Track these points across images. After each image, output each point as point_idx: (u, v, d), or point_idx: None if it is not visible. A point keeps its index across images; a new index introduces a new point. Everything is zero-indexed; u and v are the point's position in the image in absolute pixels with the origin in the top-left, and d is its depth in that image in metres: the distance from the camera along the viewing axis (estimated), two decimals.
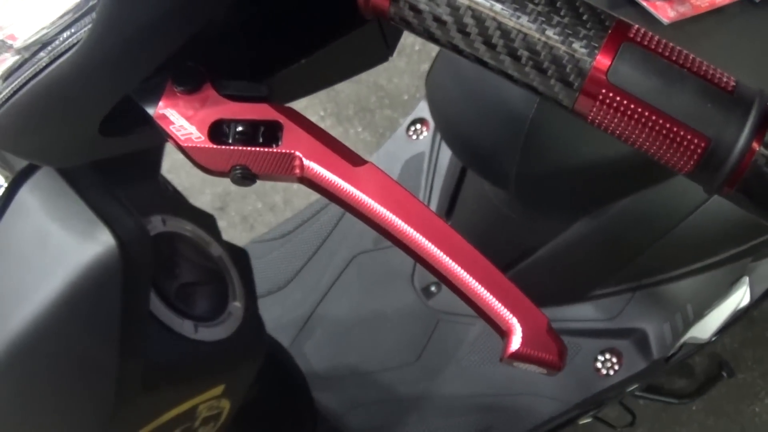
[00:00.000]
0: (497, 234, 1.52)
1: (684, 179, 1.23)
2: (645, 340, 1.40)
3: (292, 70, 0.63)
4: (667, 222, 1.31)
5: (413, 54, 2.41)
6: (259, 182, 1.93)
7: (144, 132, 0.61)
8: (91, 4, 0.53)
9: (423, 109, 1.77)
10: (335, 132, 2.29)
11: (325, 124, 2.36)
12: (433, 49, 2.35)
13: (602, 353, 1.44)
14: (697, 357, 1.78)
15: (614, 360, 1.43)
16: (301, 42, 0.64)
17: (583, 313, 1.47)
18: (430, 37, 0.56)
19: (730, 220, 1.29)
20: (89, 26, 0.52)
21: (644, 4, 1.08)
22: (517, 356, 0.53)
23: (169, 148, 0.74)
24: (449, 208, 1.62)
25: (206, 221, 0.90)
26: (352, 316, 1.61)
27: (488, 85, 1.21)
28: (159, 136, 0.59)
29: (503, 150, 1.20)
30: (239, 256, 0.92)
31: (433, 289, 1.60)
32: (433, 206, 1.65)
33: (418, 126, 1.76)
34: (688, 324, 1.37)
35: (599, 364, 1.44)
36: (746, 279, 1.39)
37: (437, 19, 0.54)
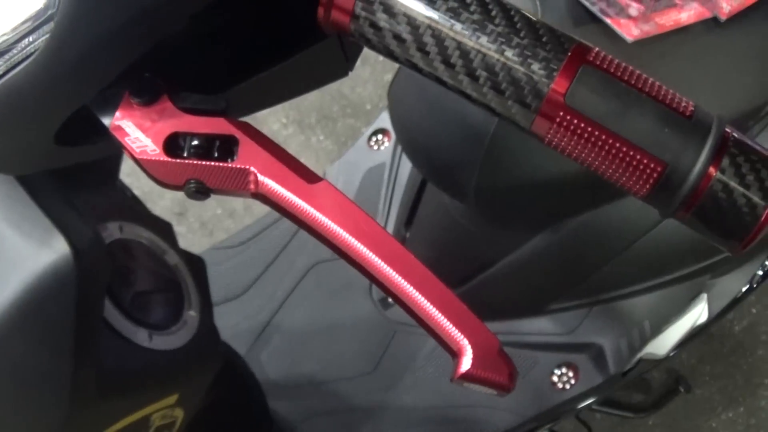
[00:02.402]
0: (456, 247, 1.52)
1: None
2: (601, 355, 1.41)
3: (252, 83, 0.63)
4: (626, 238, 1.32)
5: (377, 64, 2.41)
6: None
7: (100, 142, 0.61)
8: (50, 12, 0.52)
9: (385, 120, 1.77)
10: (297, 139, 2.30)
11: (287, 132, 2.35)
12: None
13: (559, 367, 1.44)
14: (655, 372, 1.79)
15: (570, 374, 1.44)
16: (260, 56, 0.63)
17: (540, 326, 1.47)
18: (390, 55, 0.56)
19: (689, 237, 1.28)
20: (48, 35, 0.52)
21: (608, 21, 1.09)
22: (467, 377, 0.53)
23: None
24: (408, 220, 1.62)
25: (163, 229, 0.89)
26: (309, 325, 1.60)
27: (450, 98, 1.20)
28: (115, 147, 0.59)
29: (463, 163, 1.20)
30: (195, 264, 0.92)
31: (390, 300, 1.60)
32: (393, 217, 1.65)
33: (380, 136, 1.76)
34: (645, 339, 1.38)
35: (555, 378, 1.44)
36: (704, 296, 1.40)
37: (397, 37, 0.54)
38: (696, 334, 1.42)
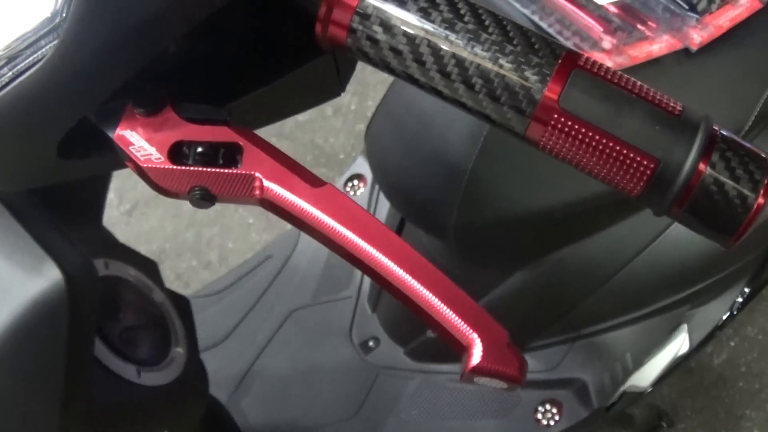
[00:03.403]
0: None
1: (620, 229, 1.25)
2: (585, 390, 1.41)
3: (250, 98, 0.63)
4: (604, 272, 1.32)
5: (349, 113, 2.42)
6: (193, 239, 1.92)
7: (103, 156, 0.61)
8: (57, 21, 0.52)
9: (360, 165, 1.78)
10: None
11: None
12: (369, 108, 2.37)
13: (543, 404, 1.44)
14: (637, 408, 1.79)
15: (554, 410, 1.43)
16: (259, 71, 0.64)
17: None
18: (387, 68, 0.57)
19: (667, 269, 1.31)
20: (55, 42, 0.52)
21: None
22: (477, 371, 0.53)
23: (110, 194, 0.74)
24: None
25: (148, 267, 0.89)
26: (290, 371, 1.59)
27: (428, 136, 1.23)
28: (117, 161, 0.59)
29: (442, 201, 1.21)
30: (181, 303, 0.91)
31: (371, 344, 1.59)
32: None
33: (356, 182, 1.76)
34: (628, 373, 1.38)
35: (540, 415, 1.44)
36: (684, 327, 1.41)
37: (394, 50, 0.55)
38: (678, 364, 1.43)
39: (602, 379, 1.40)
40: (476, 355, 0.53)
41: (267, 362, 1.59)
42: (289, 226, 1.89)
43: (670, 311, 1.37)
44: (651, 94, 0.53)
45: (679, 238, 1.29)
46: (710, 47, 1.17)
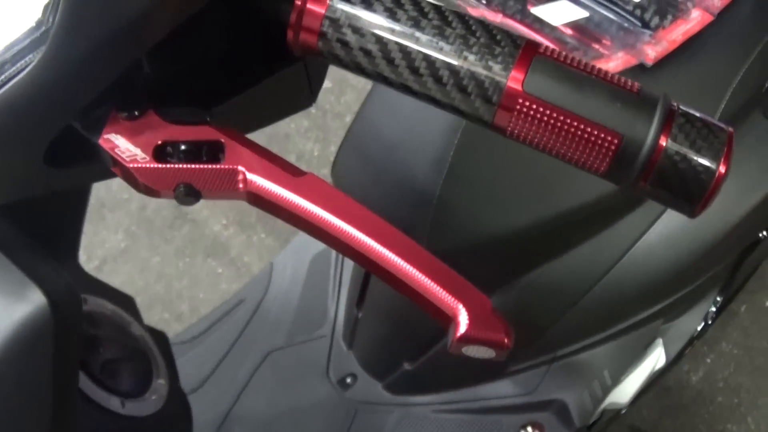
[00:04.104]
0: (410, 319, 1.52)
1: (588, 247, 1.27)
2: (565, 410, 1.41)
3: (228, 106, 0.64)
4: (576, 292, 1.33)
5: (312, 159, 2.43)
6: (163, 292, 1.92)
7: (89, 164, 0.62)
8: (43, 29, 0.54)
9: None
10: (238, 239, 2.31)
11: (228, 232, 2.36)
12: (332, 153, 2.38)
13: (524, 427, 1.44)
14: (618, 430, 1.80)
15: None
16: (235, 79, 0.65)
17: (501, 390, 1.47)
18: (359, 69, 0.59)
19: (637, 284, 1.32)
20: (41, 49, 0.53)
21: None
22: (465, 339, 0.54)
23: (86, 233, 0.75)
24: (360, 299, 1.62)
25: (126, 302, 0.89)
26: (269, 413, 1.58)
27: (394, 164, 1.24)
28: (103, 170, 0.60)
29: (411, 229, 1.22)
30: (159, 337, 0.92)
31: (348, 380, 1.59)
32: (343, 298, 1.65)
33: None
34: (607, 390, 1.39)
35: None
36: (659, 341, 1.42)
37: (364, 51, 0.57)
38: (656, 379, 1.44)
39: (582, 398, 1.41)
40: (462, 324, 0.54)
41: (246, 405, 1.58)
42: (257, 270, 1.88)
43: (644, 326, 1.39)
44: (609, 75, 0.55)
45: (648, 252, 1.30)
46: (665, 62, 1.20)
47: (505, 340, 0.55)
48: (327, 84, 2.63)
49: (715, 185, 0.54)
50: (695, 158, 0.53)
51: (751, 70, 1.24)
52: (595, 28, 1.24)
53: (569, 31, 1.23)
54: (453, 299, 0.55)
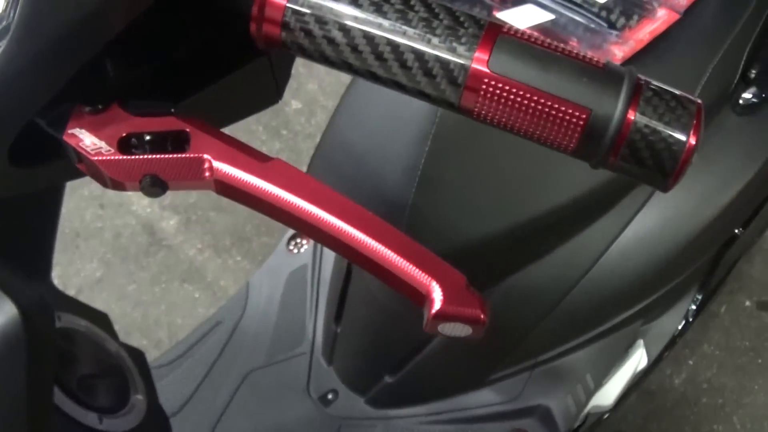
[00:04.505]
0: (389, 331, 1.52)
1: (564, 251, 1.27)
2: (549, 416, 1.41)
3: (194, 101, 0.64)
4: (554, 296, 1.33)
5: None
6: (141, 319, 1.90)
7: (55, 162, 0.61)
8: (3, 23, 0.53)
9: None
10: (214, 263, 2.30)
11: (203, 257, 2.35)
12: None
13: None
14: None
15: None
16: (200, 74, 0.65)
17: (484, 398, 1.47)
18: (324, 59, 0.58)
19: (615, 286, 1.33)
20: (2, 44, 0.53)
21: None
22: (440, 316, 0.54)
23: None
24: (338, 315, 1.62)
25: (100, 319, 0.88)
26: None
27: (366, 176, 1.24)
28: (70, 168, 0.59)
29: None
30: (136, 354, 0.90)
31: (330, 397, 1.58)
32: (321, 315, 1.65)
33: (298, 239, 1.77)
34: (590, 393, 1.39)
35: None
36: (641, 342, 1.42)
37: (328, 40, 0.57)
38: (639, 380, 1.43)
39: (565, 402, 1.40)
40: (437, 300, 0.54)
41: (227, 426, 1.57)
42: (233, 293, 1.87)
43: (624, 328, 1.39)
44: (574, 52, 0.55)
45: (625, 253, 1.30)
46: (632, 61, 1.20)
47: (481, 315, 0.55)
48: (297, 105, 2.64)
49: (686, 157, 0.54)
50: (665, 131, 0.53)
51: (719, 67, 1.25)
52: (561, 30, 1.25)
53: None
54: (426, 276, 0.55)
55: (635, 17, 1.26)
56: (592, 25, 1.25)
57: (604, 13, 1.27)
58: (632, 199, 1.30)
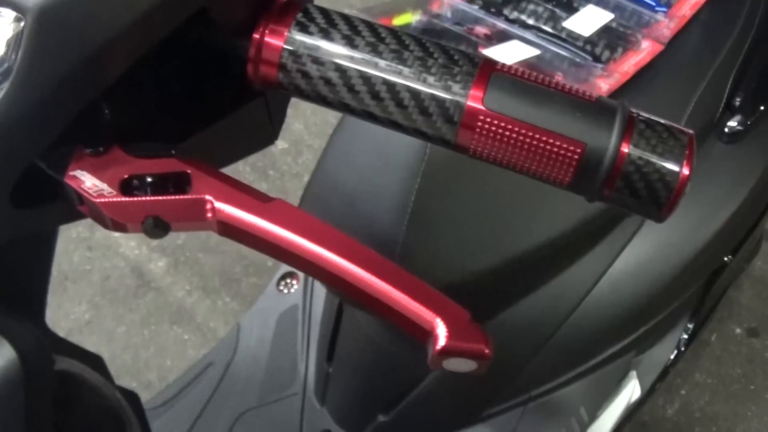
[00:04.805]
0: (381, 371, 1.51)
1: (555, 285, 1.27)
2: None
3: (191, 143, 0.64)
4: (546, 330, 1.33)
5: None
6: (131, 362, 1.89)
7: (56, 204, 0.61)
8: (6, 65, 0.53)
9: None
10: (203, 305, 2.29)
11: (192, 299, 2.34)
12: None
13: None
14: None
15: None
16: (198, 116, 0.65)
17: None
18: (321, 100, 0.59)
19: (606, 318, 1.33)
20: (2, 87, 0.53)
21: None
22: (445, 351, 0.53)
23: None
24: (329, 355, 1.61)
25: (95, 362, 0.88)
26: None
27: (357, 214, 1.24)
28: (71, 210, 0.59)
29: None
30: (131, 396, 0.90)
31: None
32: (313, 355, 1.64)
33: (288, 280, 1.77)
34: (584, 426, 1.38)
35: None
36: (633, 373, 1.41)
37: (324, 80, 0.58)
38: (633, 411, 1.43)
39: None
40: (441, 336, 0.54)
41: None
42: (223, 334, 1.86)
43: (616, 360, 1.39)
44: (567, 86, 0.56)
45: (615, 286, 1.31)
46: (618, 94, 1.21)
47: (486, 350, 0.55)
48: (284, 145, 2.65)
49: (680, 187, 0.54)
50: (658, 162, 0.54)
51: (704, 96, 1.26)
52: (547, 65, 1.25)
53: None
54: (430, 312, 0.55)
55: (619, 50, 1.27)
56: (577, 59, 1.26)
57: (588, 47, 1.28)
58: (622, 231, 1.31)
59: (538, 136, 0.54)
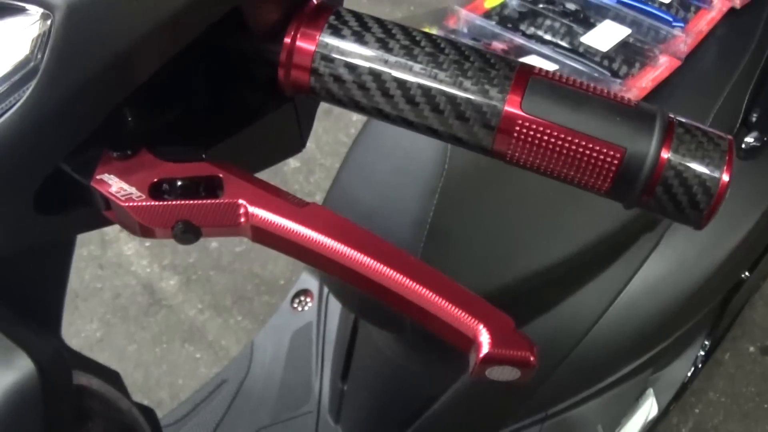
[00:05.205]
0: (397, 389, 1.50)
1: (572, 302, 1.26)
2: None
3: (221, 148, 0.63)
4: (563, 348, 1.32)
5: None
6: (142, 380, 1.89)
7: (81, 210, 0.60)
8: (31, 65, 0.52)
9: (305, 281, 1.78)
10: (215, 323, 2.29)
11: (203, 317, 2.33)
12: None
13: None
14: None
15: None
16: (228, 121, 0.64)
17: None
18: (354, 105, 0.58)
19: (624, 336, 1.32)
20: (29, 86, 0.51)
21: None
22: (489, 359, 0.52)
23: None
24: (344, 373, 1.61)
25: (112, 377, 0.87)
26: None
27: (375, 229, 1.23)
28: (96, 217, 0.58)
29: None
30: (148, 412, 0.89)
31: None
32: (327, 373, 1.63)
33: (302, 297, 1.76)
34: None
35: None
36: (650, 391, 1.40)
37: (358, 85, 0.56)
38: (650, 429, 1.42)
39: None
40: (485, 344, 0.52)
41: None
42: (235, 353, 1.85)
43: (634, 377, 1.38)
44: (605, 91, 0.55)
45: (633, 303, 1.30)
46: None
47: (531, 358, 0.53)
48: (295, 164, 2.64)
49: (721, 194, 0.53)
50: (699, 168, 0.53)
51: (721, 111, 1.25)
52: None
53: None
54: (473, 319, 0.53)
55: (637, 65, 1.27)
56: (595, 74, 1.25)
57: (606, 62, 1.28)
58: (639, 248, 1.30)
59: (577, 140, 0.54)
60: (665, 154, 0.53)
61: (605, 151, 0.53)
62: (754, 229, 1.33)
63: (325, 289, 1.74)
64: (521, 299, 1.24)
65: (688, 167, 0.53)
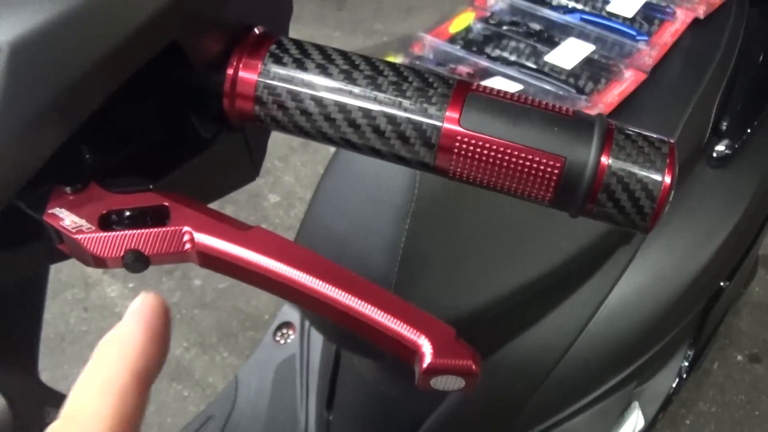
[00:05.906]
0: (382, 415, 1.50)
1: (551, 320, 1.26)
2: None
3: (171, 180, 0.63)
4: (545, 365, 1.32)
5: None
6: None
7: (34, 245, 0.60)
8: None
9: (286, 314, 1.78)
10: (201, 361, 2.28)
11: (189, 355, 2.33)
12: None
13: None
14: None
15: None
16: (175, 152, 0.64)
17: None
18: (299, 130, 0.59)
19: (605, 350, 1.32)
20: None
21: None
22: (431, 370, 0.52)
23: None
24: (329, 402, 1.60)
25: None
26: None
27: (348, 258, 1.23)
28: (50, 252, 0.59)
29: None
30: None
31: None
32: (312, 403, 1.63)
33: (285, 330, 1.76)
34: None
35: None
36: (636, 404, 1.40)
37: (303, 112, 0.57)
38: None
39: None
40: (427, 354, 0.52)
41: None
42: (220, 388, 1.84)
43: (618, 391, 1.37)
44: (543, 103, 0.56)
45: (612, 317, 1.30)
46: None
47: (473, 366, 0.53)
48: (275, 199, 2.65)
49: (663, 197, 0.54)
50: (640, 172, 0.53)
51: (690, 122, 1.25)
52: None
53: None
54: (414, 331, 0.53)
55: (603, 81, 1.28)
56: (561, 92, 1.26)
57: (572, 80, 1.28)
58: (616, 262, 1.30)
59: (516, 152, 0.54)
60: (605, 161, 0.53)
61: (545, 161, 0.54)
62: (730, 237, 1.33)
63: (306, 321, 1.74)
64: (500, 319, 1.24)
65: (630, 172, 0.53)
